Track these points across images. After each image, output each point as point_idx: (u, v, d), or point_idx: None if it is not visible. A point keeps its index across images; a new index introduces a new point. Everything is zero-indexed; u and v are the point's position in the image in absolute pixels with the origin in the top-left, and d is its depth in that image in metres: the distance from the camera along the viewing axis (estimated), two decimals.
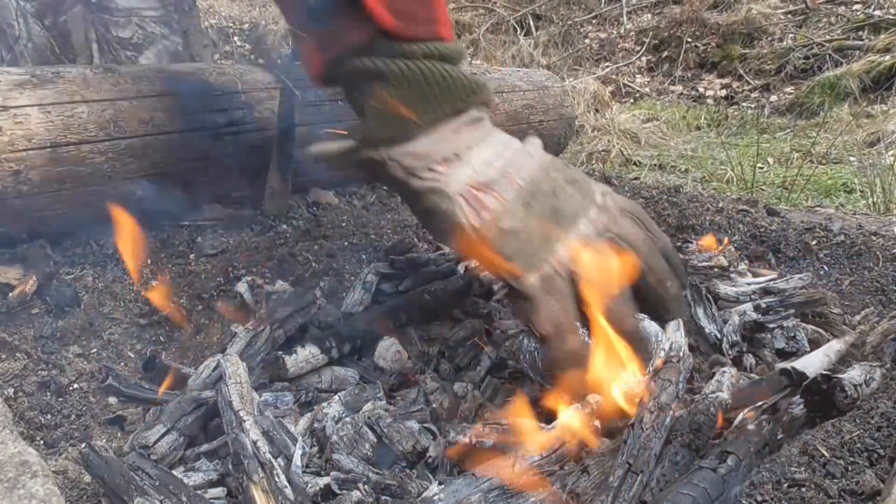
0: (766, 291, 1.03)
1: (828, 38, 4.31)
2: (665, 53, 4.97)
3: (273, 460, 0.61)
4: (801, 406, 0.71)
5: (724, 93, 4.49)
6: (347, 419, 0.71)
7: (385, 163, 0.75)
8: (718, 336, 0.92)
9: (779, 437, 0.67)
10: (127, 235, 0.89)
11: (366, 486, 0.62)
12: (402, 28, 0.72)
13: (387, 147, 0.75)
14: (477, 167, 0.75)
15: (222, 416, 0.68)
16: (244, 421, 0.64)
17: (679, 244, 1.28)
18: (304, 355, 0.82)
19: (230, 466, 0.63)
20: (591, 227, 0.76)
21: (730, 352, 0.90)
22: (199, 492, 0.64)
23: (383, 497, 0.61)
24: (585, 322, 0.74)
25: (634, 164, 3.10)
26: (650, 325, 0.82)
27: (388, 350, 0.88)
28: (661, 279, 0.80)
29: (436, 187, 0.74)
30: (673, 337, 0.76)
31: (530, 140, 0.83)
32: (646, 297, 0.80)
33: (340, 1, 0.72)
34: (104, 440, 0.75)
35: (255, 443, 0.62)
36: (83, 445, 0.63)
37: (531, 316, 0.73)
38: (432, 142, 0.75)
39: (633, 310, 0.78)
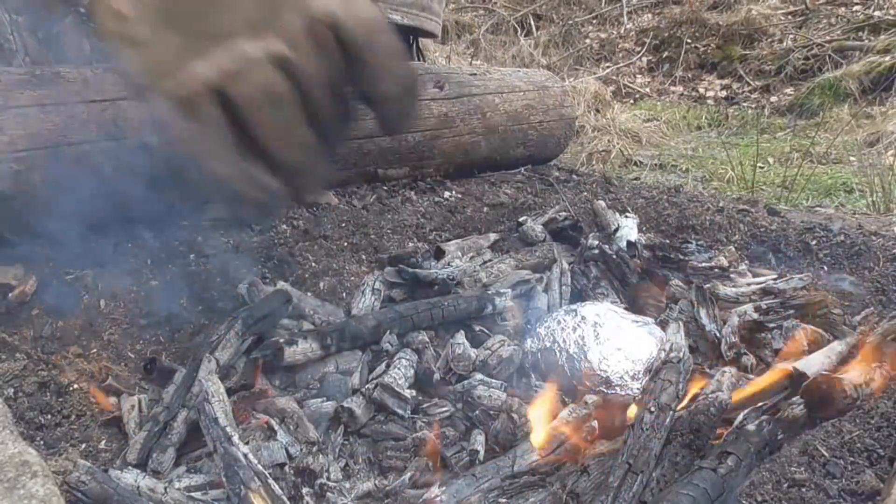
0: (766, 292, 1.03)
1: (828, 38, 4.31)
2: (665, 54, 4.97)
3: (265, 470, 0.62)
4: (801, 406, 0.71)
5: (724, 93, 4.49)
6: None
7: None
8: (718, 336, 0.92)
9: (779, 437, 0.67)
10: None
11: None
12: None
13: None
14: None
15: (206, 433, 0.68)
16: (232, 436, 0.65)
17: (679, 244, 1.28)
18: (304, 348, 0.83)
19: (223, 477, 0.63)
20: (255, 47, 0.58)
21: (728, 353, 0.90)
22: (199, 492, 0.64)
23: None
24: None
25: (635, 164, 3.09)
26: (655, 330, 0.82)
27: None
28: (335, 131, 0.64)
29: None
30: (673, 338, 0.76)
31: None
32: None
33: None
34: (103, 441, 0.75)
35: (245, 455, 0.62)
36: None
37: (177, 150, 0.63)
38: None
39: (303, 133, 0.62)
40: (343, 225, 1.21)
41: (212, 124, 0.59)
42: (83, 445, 0.73)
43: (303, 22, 0.60)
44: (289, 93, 0.59)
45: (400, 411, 0.77)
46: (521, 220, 1.33)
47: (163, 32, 0.59)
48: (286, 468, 0.66)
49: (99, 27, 0.60)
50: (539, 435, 0.73)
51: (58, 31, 1.15)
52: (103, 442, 0.75)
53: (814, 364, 0.83)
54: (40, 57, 1.14)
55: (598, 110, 3.77)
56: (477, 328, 0.97)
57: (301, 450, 0.70)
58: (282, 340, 0.82)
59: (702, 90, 4.56)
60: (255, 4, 0.59)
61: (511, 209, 1.41)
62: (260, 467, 0.62)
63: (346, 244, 1.16)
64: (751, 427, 0.66)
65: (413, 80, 0.66)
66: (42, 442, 0.72)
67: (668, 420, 0.65)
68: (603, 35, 5.35)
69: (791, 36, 4.58)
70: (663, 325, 0.93)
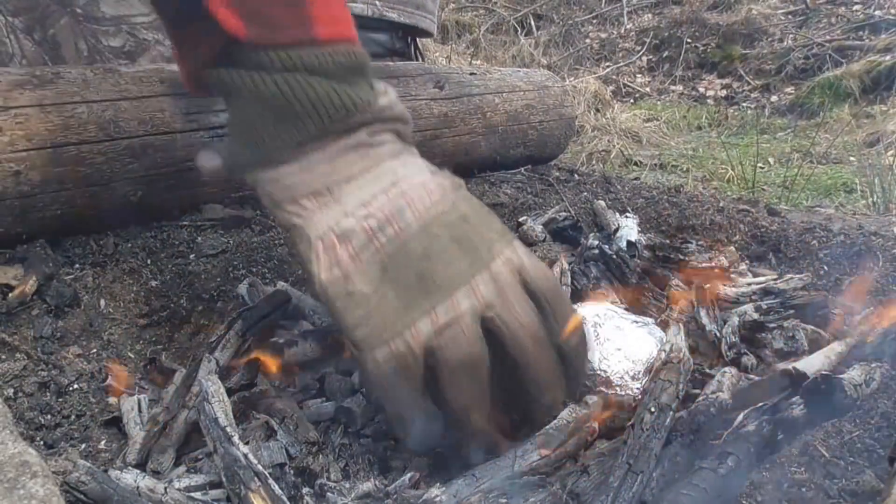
0: (766, 292, 1.03)
1: (828, 38, 4.31)
2: (665, 53, 4.97)
3: (265, 470, 0.62)
4: (802, 406, 0.71)
5: (724, 93, 4.49)
6: None
7: (255, 188, 0.66)
8: (718, 336, 0.92)
9: (779, 438, 0.67)
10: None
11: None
12: (258, 34, 0.60)
13: (252, 171, 0.65)
14: (350, 208, 0.62)
15: (206, 433, 0.68)
16: (232, 436, 0.65)
17: (679, 244, 1.28)
18: (304, 348, 0.83)
19: (223, 478, 0.63)
20: (469, 300, 0.60)
21: (728, 353, 0.90)
22: (199, 493, 0.64)
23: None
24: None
25: (635, 164, 3.10)
26: (655, 330, 0.82)
27: None
28: (534, 382, 0.64)
29: (298, 225, 0.63)
30: (674, 340, 0.76)
31: (441, 176, 0.68)
32: (512, 394, 0.66)
33: (194, 3, 0.59)
34: (103, 441, 0.75)
35: (245, 455, 0.63)
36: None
37: (373, 395, 0.67)
38: (299, 170, 0.63)
39: (494, 402, 0.64)
40: None
41: (415, 382, 0.61)
42: (83, 445, 0.73)
43: (508, 274, 0.63)
44: (486, 357, 0.62)
45: None
46: (521, 220, 1.33)
47: (382, 288, 0.61)
48: (286, 468, 0.66)
49: (314, 280, 0.62)
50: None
51: (54, 34, 1.15)
52: (103, 442, 0.75)
53: (814, 364, 0.83)
54: (37, 59, 1.14)
55: (598, 110, 3.78)
56: None
57: (301, 450, 0.70)
58: (281, 341, 0.82)
59: (702, 90, 4.57)
60: (464, 259, 0.62)
61: (511, 209, 1.41)
62: (260, 467, 0.62)
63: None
64: (751, 427, 0.66)
65: (584, 332, 0.71)
66: (42, 442, 0.72)
67: (668, 420, 0.65)
68: (603, 35, 5.35)
69: (791, 35, 4.58)
70: (663, 325, 0.93)
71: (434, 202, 0.64)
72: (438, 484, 0.61)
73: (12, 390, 0.75)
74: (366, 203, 0.62)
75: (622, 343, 0.83)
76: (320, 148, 0.63)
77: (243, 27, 0.59)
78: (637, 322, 0.88)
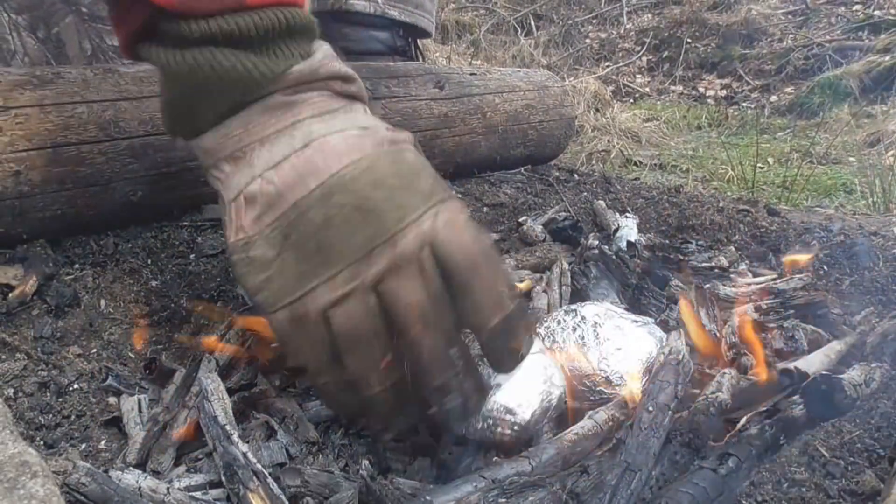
0: (766, 292, 1.03)
1: (828, 38, 4.31)
2: (665, 53, 4.97)
3: (264, 469, 0.62)
4: (802, 406, 0.71)
5: (724, 93, 4.49)
6: None
7: (194, 154, 0.68)
8: (718, 337, 0.92)
9: (781, 441, 0.67)
10: None
11: None
12: (184, 3, 0.58)
13: (185, 139, 0.67)
14: (258, 171, 0.62)
15: (205, 431, 0.69)
16: (231, 434, 0.65)
17: (679, 244, 1.28)
18: None
19: (222, 477, 0.64)
20: (363, 273, 0.59)
21: (727, 353, 0.90)
22: (199, 492, 0.64)
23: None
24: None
25: (635, 164, 3.10)
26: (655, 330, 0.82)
27: None
28: (418, 363, 0.62)
29: (218, 189, 0.65)
30: (673, 343, 0.76)
31: (370, 134, 0.65)
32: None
33: None
34: (103, 441, 0.75)
35: (245, 454, 0.63)
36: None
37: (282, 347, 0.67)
38: (218, 135, 0.64)
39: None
40: None
41: (319, 342, 0.61)
42: (83, 445, 0.73)
43: (409, 247, 0.60)
44: (379, 330, 0.60)
45: None
46: (521, 220, 1.33)
47: (283, 254, 0.61)
48: (286, 468, 0.66)
49: (228, 244, 0.63)
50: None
51: (58, 32, 1.15)
52: (103, 442, 0.75)
53: (814, 364, 0.83)
54: (39, 57, 1.14)
55: (597, 110, 3.78)
56: None
57: (301, 450, 0.70)
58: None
59: (702, 90, 4.57)
60: (367, 229, 0.60)
61: (511, 209, 1.41)
62: (259, 466, 0.62)
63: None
64: (753, 430, 0.66)
65: (519, 314, 0.65)
66: (42, 442, 0.72)
67: (666, 420, 0.65)
68: (603, 35, 5.35)
69: (791, 35, 4.58)
70: (663, 324, 0.93)
71: (343, 166, 0.61)
72: (438, 484, 0.62)
73: (12, 390, 0.75)
74: (274, 165, 0.61)
75: (622, 343, 0.83)
76: (238, 114, 0.63)
77: None
78: (637, 322, 0.88)
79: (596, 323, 0.85)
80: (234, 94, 0.62)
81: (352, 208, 0.60)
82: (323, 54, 0.66)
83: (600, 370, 0.80)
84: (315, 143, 0.62)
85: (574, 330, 0.86)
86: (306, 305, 0.60)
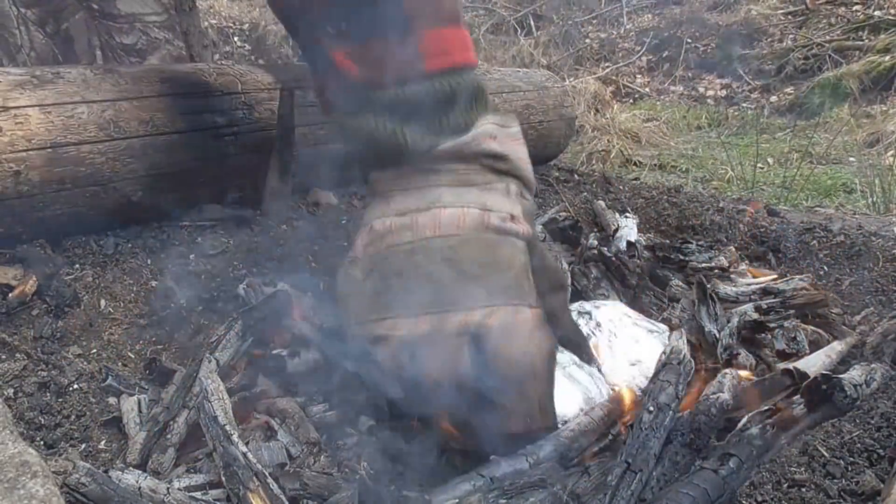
0: (766, 292, 1.03)
1: (828, 38, 4.31)
2: (665, 53, 4.96)
3: (264, 469, 0.62)
4: (802, 406, 0.71)
5: (724, 93, 4.49)
6: None
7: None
8: (716, 337, 0.92)
9: (782, 441, 0.67)
10: None
11: None
12: (367, 76, 0.71)
13: (364, 173, 0.81)
14: (389, 211, 0.75)
15: (205, 431, 0.69)
16: (231, 434, 0.65)
17: (679, 244, 1.28)
18: (306, 359, 0.83)
19: (222, 477, 0.63)
20: (398, 329, 0.70)
21: (723, 354, 0.90)
22: (199, 492, 0.64)
23: None
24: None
25: (635, 164, 3.09)
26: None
27: None
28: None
29: (364, 212, 0.80)
30: (675, 344, 0.76)
31: (489, 214, 0.73)
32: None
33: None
34: (103, 441, 0.75)
35: (244, 454, 0.62)
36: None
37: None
38: (379, 178, 0.77)
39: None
40: (343, 225, 1.21)
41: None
42: (83, 446, 0.73)
43: (448, 328, 0.68)
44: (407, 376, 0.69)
45: None
46: None
47: (367, 280, 0.73)
48: (287, 468, 0.66)
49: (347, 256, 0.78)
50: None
51: (67, 28, 1.15)
52: (103, 442, 0.75)
53: (814, 364, 0.83)
54: (46, 53, 1.15)
55: (597, 110, 3.77)
56: None
57: (302, 450, 0.70)
58: (284, 353, 0.82)
59: (701, 90, 4.56)
60: (423, 296, 0.69)
61: None
62: (259, 467, 0.62)
63: (345, 244, 1.16)
64: (754, 431, 0.66)
65: (530, 392, 0.69)
66: (42, 442, 0.72)
67: (667, 420, 0.65)
68: (602, 35, 5.35)
69: (791, 36, 4.58)
70: (666, 322, 0.93)
71: (436, 235, 0.70)
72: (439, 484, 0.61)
73: (12, 390, 0.75)
74: (397, 213, 0.73)
75: (636, 354, 0.83)
76: (386, 170, 0.76)
77: (356, 70, 0.70)
78: (653, 331, 0.88)
79: (611, 332, 0.85)
80: (392, 154, 0.73)
81: (422, 272, 0.69)
82: (480, 130, 0.74)
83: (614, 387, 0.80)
84: (434, 210, 0.72)
85: (588, 338, 0.85)
86: (359, 330, 0.73)
